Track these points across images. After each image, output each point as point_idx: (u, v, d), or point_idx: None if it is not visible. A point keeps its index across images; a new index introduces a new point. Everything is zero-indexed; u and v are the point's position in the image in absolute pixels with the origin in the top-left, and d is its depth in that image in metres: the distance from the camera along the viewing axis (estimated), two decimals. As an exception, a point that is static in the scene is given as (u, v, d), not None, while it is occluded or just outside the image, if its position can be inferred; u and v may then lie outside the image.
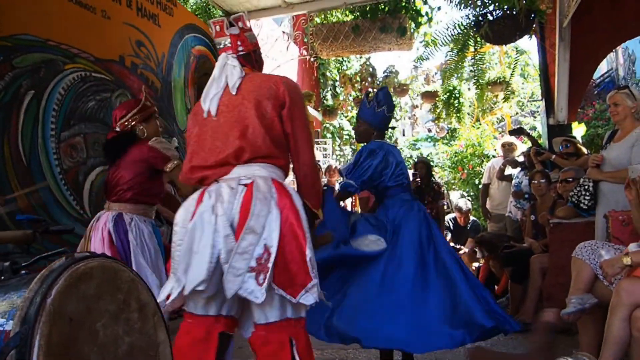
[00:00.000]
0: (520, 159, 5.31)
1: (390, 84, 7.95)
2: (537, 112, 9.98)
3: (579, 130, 5.86)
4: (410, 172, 4.56)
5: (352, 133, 8.59)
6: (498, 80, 7.59)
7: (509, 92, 7.90)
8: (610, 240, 2.70)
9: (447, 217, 6.12)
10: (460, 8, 5.19)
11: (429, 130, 15.65)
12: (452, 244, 5.31)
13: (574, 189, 3.33)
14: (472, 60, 6.56)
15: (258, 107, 1.65)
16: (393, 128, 7.23)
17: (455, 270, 2.42)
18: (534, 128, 9.67)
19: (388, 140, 3.24)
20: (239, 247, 1.48)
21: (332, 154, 9.56)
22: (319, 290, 1.54)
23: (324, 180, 6.40)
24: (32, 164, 3.10)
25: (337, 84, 8.66)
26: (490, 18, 4.81)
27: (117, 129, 2.45)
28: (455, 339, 2.22)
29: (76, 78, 3.50)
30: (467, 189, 8.51)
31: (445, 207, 5.80)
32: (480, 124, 9.52)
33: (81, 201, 3.47)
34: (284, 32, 6.96)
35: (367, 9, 6.04)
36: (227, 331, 1.63)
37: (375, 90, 3.77)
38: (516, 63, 8.66)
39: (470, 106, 9.10)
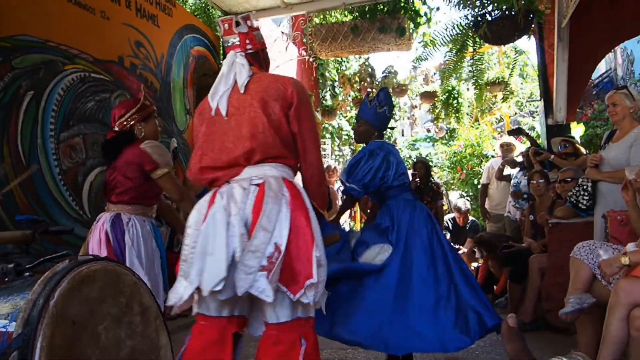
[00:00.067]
0: (519, 159, 5.31)
1: (389, 84, 7.94)
2: (536, 112, 9.98)
3: (577, 131, 5.88)
4: (410, 172, 4.57)
5: (351, 133, 8.58)
6: (497, 81, 7.58)
7: (508, 93, 7.89)
8: (608, 240, 2.71)
9: (446, 217, 6.13)
10: (459, 8, 5.20)
11: (428, 131, 15.64)
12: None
13: (572, 189, 3.33)
14: (471, 61, 6.56)
15: (265, 107, 1.65)
16: (392, 128, 7.20)
17: (456, 270, 2.47)
18: (532, 128, 9.69)
19: (387, 140, 3.25)
20: (251, 245, 1.48)
21: (331, 154, 9.56)
22: (319, 291, 1.53)
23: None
24: (32, 164, 3.09)
25: (336, 84, 8.63)
26: (489, 18, 4.81)
27: (116, 129, 2.43)
28: (463, 341, 2.28)
29: (75, 79, 3.50)
30: (466, 189, 8.52)
31: (444, 207, 5.80)
32: (479, 124, 9.52)
33: (80, 202, 3.47)
34: (282, 33, 6.95)
35: (366, 9, 6.03)
36: (239, 331, 1.63)
37: (374, 90, 3.77)
38: (515, 63, 8.64)
39: (469, 106, 9.09)
